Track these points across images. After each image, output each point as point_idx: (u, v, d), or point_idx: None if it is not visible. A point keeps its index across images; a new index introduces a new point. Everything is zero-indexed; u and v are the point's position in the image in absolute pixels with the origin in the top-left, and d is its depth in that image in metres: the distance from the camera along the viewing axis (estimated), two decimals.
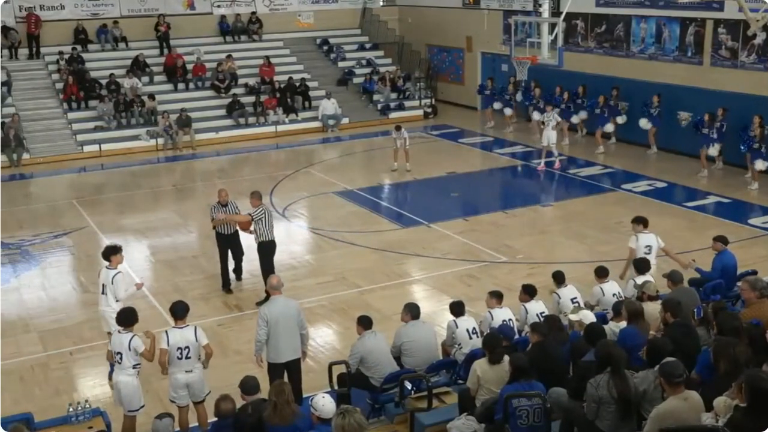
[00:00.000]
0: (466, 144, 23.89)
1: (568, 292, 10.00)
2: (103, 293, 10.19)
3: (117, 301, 10.00)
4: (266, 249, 12.53)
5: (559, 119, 20.75)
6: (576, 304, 9.80)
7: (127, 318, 8.60)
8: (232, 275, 13.55)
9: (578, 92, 22.80)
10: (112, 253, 10.26)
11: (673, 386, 6.46)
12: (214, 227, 13.38)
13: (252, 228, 12.55)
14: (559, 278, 10.20)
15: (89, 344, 11.40)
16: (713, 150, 18.99)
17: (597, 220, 16.17)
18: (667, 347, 7.33)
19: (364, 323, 8.98)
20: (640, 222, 11.65)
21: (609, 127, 21.94)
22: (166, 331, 8.60)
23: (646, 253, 11.22)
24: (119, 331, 8.54)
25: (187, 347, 8.47)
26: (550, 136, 19.85)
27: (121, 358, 8.41)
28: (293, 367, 9.13)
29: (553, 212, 17.15)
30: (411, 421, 8.24)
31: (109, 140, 23.56)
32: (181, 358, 8.48)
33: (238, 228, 13.12)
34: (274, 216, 17.10)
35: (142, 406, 8.60)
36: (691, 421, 6.32)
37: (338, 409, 6.22)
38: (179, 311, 8.69)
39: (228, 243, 13.59)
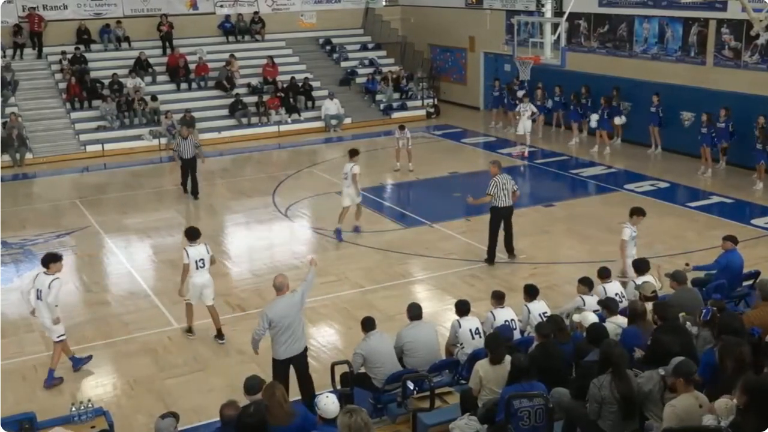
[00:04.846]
0: (468, 144, 23.89)
1: (592, 301, 9.91)
2: (39, 299, 10.12)
3: (56, 306, 10.10)
4: (498, 213, 13.78)
5: (535, 110, 22.13)
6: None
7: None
8: None
9: (582, 93, 22.84)
10: (52, 260, 10.23)
11: (687, 384, 6.48)
12: (173, 150, 18.66)
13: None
14: (587, 284, 10.12)
15: (91, 344, 11.39)
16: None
17: (600, 221, 16.14)
18: (674, 348, 7.33)
19: (366, 326, 8.95)
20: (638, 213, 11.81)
21: (618, 120, 21.98)
22: (186, 249, 11.10)
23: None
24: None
25: (202, 259, 11.12)
26: (525, 126, 21.40)
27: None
28: (298, 362, 9.06)
29: (555, 212, 17.12)
30: (413, 421, 8.24)
31: (111, 140, 23.59)
32: (197, 268, 11.05)
33: (198, 157, 18.46)
34: (276, 216, 17.22)
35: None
36: (700, 421, 6.33)
37: (345, 408, 6.18)
38: (195, 234, 11.32)
39: (188, 164, 18.32)
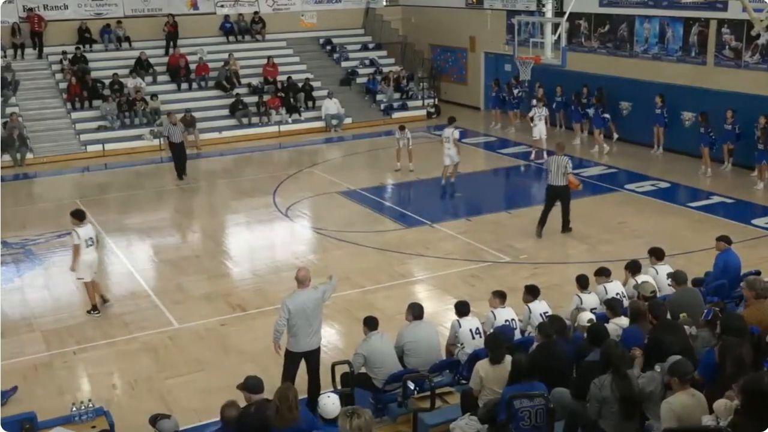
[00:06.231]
0: (469, 144, 23.83)
1: (590, 299, 9.92)
2: None
3: None
4: (550, 192, 15.08)
5: (546, 111, 22.07)
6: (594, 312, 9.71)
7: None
8: None
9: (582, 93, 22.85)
10: None
11: (682, 384, 6.49)
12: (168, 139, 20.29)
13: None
14: (582, 282, 10.12)
15: (92, 344, 11.41)
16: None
17: (600, 221, 16.14)
18: (672, 347, 7.32)
19: (370, 324, 8.96)
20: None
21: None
22: (75, 230, 11.92)
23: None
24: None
25: (91, 238, 12.12)
26: (541, 130, 21.35)
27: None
28: (311, 358, 9.20)
29: (556, 212, 17.09)
30: (414, 421, 8.24)
31: (112, 140, 23.59)
32: (87, 246, 11.95)
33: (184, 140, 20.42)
34: (277, 216, 17.21)
35: None
36: (698, 420, 6.33)
37: (347, 409, 6.08)
38: (81, 215, 12.28)
39: (177, 150, 19.93)
